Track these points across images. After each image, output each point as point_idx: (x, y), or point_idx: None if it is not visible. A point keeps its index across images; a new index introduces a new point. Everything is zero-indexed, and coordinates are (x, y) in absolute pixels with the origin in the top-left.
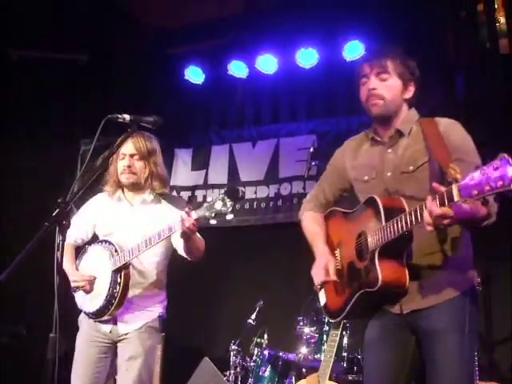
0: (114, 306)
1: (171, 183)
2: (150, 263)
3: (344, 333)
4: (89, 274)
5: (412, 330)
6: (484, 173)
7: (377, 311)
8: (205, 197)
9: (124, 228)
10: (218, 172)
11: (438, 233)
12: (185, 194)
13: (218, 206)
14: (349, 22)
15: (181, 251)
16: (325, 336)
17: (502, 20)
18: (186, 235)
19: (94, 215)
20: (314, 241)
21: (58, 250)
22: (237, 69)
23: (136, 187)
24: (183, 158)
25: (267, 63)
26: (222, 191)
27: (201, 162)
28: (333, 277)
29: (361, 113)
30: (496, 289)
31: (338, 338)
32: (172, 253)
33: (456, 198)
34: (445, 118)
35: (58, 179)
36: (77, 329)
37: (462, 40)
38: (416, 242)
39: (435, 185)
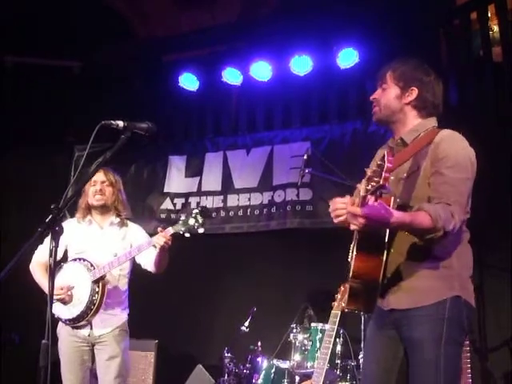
0: (93, 311)
1: (165, 190)
2: (118, 275)
3: (337, 340)
4: (66, 287)
5: (397, 331)
6: (374, 171)
7: (374, 305)
8: (198, 204)
9: (96, 247)
10: (211, 179)
11: (425, 243)
12: (178, 201)
13: (191, 222)
14: (343, 29)
15: (145, 266)
16: (318, 343)
17: (496, 28)
18: (164, 249)
19: (66, 237)
20: None
21: (50, 256)
22: (231, 76)
23: (104, 210)
24: (177, 165)
25: (261, 70)
26: (195, 210)
27: (195, 169)
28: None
29: (354, 119)
30: (489, 296)
31: (331, 346)
32: (133, 267)
33: (362, 193)
34: (448, 130)
35: (52, 185)
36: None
37: (455, 48)
38: (404, 242)
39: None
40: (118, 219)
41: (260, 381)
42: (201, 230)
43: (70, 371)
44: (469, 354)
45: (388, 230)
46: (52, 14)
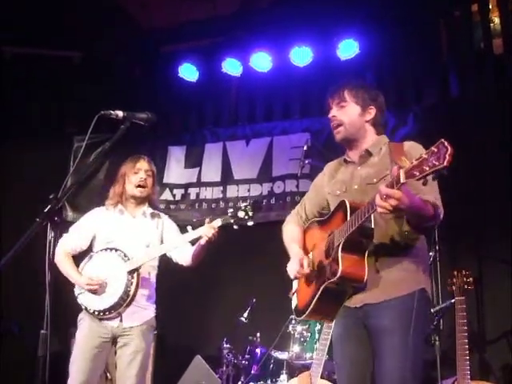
0: (127, 302)
1: (164, 181)
2: (150, 266)
3: None
4: (97, 277)
5: (364, 326)
6: (424, 158)
7: (340, 309)
8: (198, 194)
9: (128, 237)
10: (211, 170)
11: (395, 234)
12: (178, 192)
13: (241, 214)
14: (343, 20)
15: (178, 259)
16: (317, 334)
17: (496, 20)
18: (210, 241)
19: (95, 225)
20: (289, 245)
21: (49, 246)
22: (231, 67)
23: (141, 201)
24: (176, 156)
25: (261, 61)
26: (243, 204)
27: (194, 160)
28: (306, 270)
29: None
30: (487, 288)
31: (329, 337)
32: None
33: (402, 180)
34: (412, 142)
35: (52, 175)
36: (72, 326)
37: (456, 40)
38: (377, 240)
39: (394, 169)
40: (150, 209)
41: (259, 372)
42: (250, 223)
43: (87, 363)
44: (467, 346)
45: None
46: (51, 4)
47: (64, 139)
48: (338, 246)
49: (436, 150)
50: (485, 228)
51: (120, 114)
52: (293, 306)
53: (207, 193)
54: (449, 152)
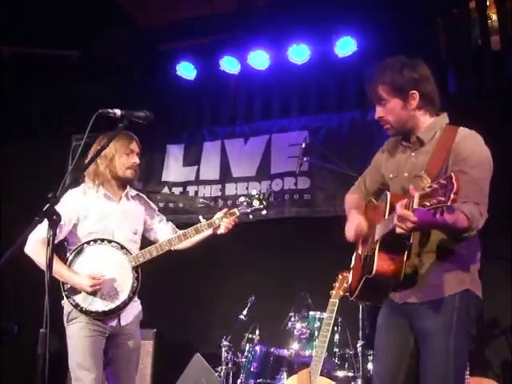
0: (132, 300)
1: (163, 179)
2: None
3: (335, 329)
4: (99, 276)
5: (409, 324)
6: (434, 188)
7: (386, 298)
8: (196, 192)
9: (117, 224)
10: (209, 168)
11: (438, 235)
12: (176, 190)
13: (256, 203)
14: (341, 18)
15: (157, 239)
16: (316, 332)
17: (494, 17)
18: (227, 230)
19: (76, 213)
20: (349, 210)
21: (48, 245)
22: (229, 65)
23: (127, 183)
24: (175, 154)
25: (259, 59)
26: (255, 192)
27: (193, 158)
28: (364, 231)
29: (353, 109)
30: (487, 285)
31: (329, 334)
32: None
33: (415, 206)
34: (467, 129)
35: (51, 174)
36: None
37: (453, 37)
38: (419, 240)
39: (411, 188)
40: (132, 191)
41: (258, 369)
42: (264, 212)
43: (93, 363)
44: None
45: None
46: (49, 3)
47: (63, 138)
48: (376, 243)
49: (445, 182)
50: (484, 225)
51: (118, 112)
52: (348, 283)
53: (206, 191)
54: (454, 190)
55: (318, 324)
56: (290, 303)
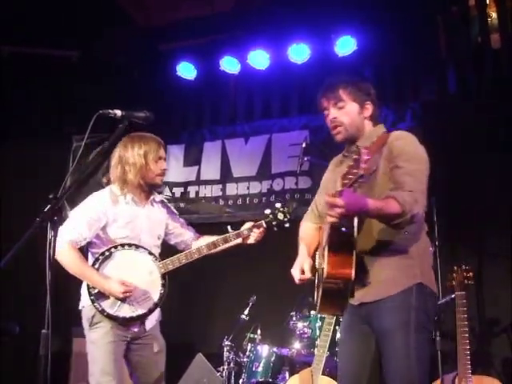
0: (157, 307)
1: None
2: None
3: (337, 327)
4: (130, 281)
5: (369, 327)
6: (350, 165)
7: (346, 306)
8: (197, 193)
9: (143, 229)
10: (210, 168)
11: (381, 231)
12: (177, 190)
13: (281, 216)
14: (341, 17)
15: (179, 246)
16: (318, 331)
17: (494, 15)
18: (257, 241)
19: (105, 216)
20: (299, 243)
21: (49, 246)
22: (229, 65)
23: (156, 189)
24: (175, 155)
25: (259, 59)
26: (279, 205)
27: (193, 158)
28: (307, 275)
29: None
30: (488, 283)
31: (330, 333)
32: None
33: (338, 187)
34: (400, 131)
35: (50, 175)
36: (73, 326)
37: (453, 35)
38: (365, 239)
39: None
40: (158, 197)
41: (260, 369)
42: (287, 225)
43: (117, 369)
44: (468, 341)
45: (356, 229)
46: (49, 3)
47: (63, 139)
48: (325, 248)
49: (357, 157)
50: (485, 223)
51: (118, 113)
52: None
53: (206, 191)
54: (363, 160)
55: (319, 323)
56: (291, 302)
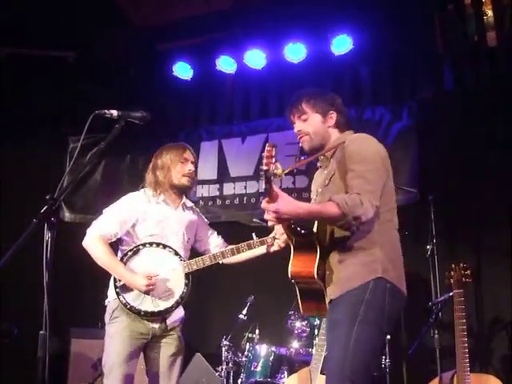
0: (179, 305)
1: None
2: None
3: None
4: (155, 276)
5: None
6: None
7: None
8: (194, 193)
9: (170, 230)
10: (207, 168)
11: (340, 230)
12: None
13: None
14: (337, 16)
15: (206, 252)
16: (316, 330)
17: (490, 13)
18: (280, 249)
19: (137, 214)
20: None
21: (46, 247)
22: (225, 64)
23: (185, 191)
24: None
25: (255, 58)
26: None
27: None
28: None
29: (349, 107)
30: (486, 280)
31: None
32: None
33: (264, 187)
34: (356, 134)
35: (46, 177)
36: (71, 327)
37: (449, 33)
38: (329, 238)
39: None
40: (189, 202)
41: (259, 368)
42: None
43: (130, 364)
44: (466, 339)
45: (316, 230)
46: (46, 4)
47: (63, 139)
48: (291, 248)
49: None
50: (483, 221)
51: (115, 113)
52: None
53: (204, 191)
54: (264, 157)
55: (317, 322)
56: (289, 302)
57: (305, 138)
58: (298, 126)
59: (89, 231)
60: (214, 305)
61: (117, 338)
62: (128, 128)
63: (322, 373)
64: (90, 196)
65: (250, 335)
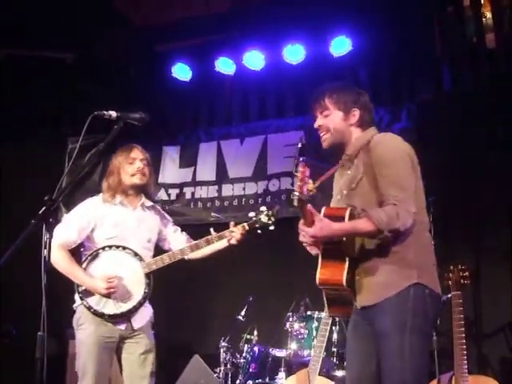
0: (142, 305)
1: (159, 180)
2: None
3: (333, 328)
4: (114, 279)
5: (371, 326)
6: None
7: (351, 308)
8: (193, 194)
9: (130, 232)
10: (206, 169)
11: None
12: (173, 192)
13: (265, 219)
14: (335, 17)
15: (170, 248)
16: (314, 332)
17: (488, 15)
18: (239, 243)
19: (94, 219)
20: None
21: (45, 247)
22: (224, 65)
23: (139, 191)
24: (171, 156)
25: (254, 59)
26: (264, 209)
27: (189, 160)
28: None
29: None
30: (485, 282)
31: (327, 334)
32: None
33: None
34: (381, 134)
35: (45, 178)
36: (69, 328)
37: (448, 35)
38: (359, 244)
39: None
40: (149, 202)
41: (257, 370)
42: (272, 228)
43: (97, 369)
44: (464, 341)
45: (345, 238)
46: (45, 4)
47: (63, 139)
48: (319, 254)
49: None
50: (483, 222)
51: (113, 114)
52: None
53: (202, 192)
54: (298, 180)
55: (316, 324)
56: (287, 303)
57: (324, 137)
58: (319, 121)
59: (52, 242)
60: (213, 306)
61: (84, 345)
62: (127, 129)
63: (320, 374)
64: (89, 197)
65: (249, 336)
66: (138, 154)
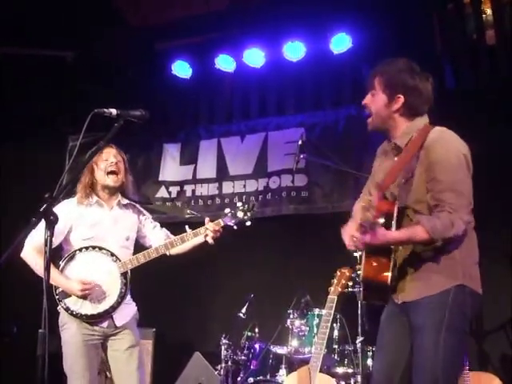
0: (120, 304)
1: (160, 178)
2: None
3: (334, 325)
4: (89, 280)
5: (408, 321)
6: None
7: (388, 298)
8: (193, 191)
9: (106, 231)
10: (206, 167)
11: None
12: (173, 189)
13: (240, 215)
14: (336, 14)
15: (151, 245)
16: (315, 329)
17: (489, 12)
18: (214, 239)
19: (68, 220)
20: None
21: (46, 245)
22: (224, 63)
23: (114, 191)
24: (172, 153)
25: (254, 57)
26: (240, 204)
27: (189, 157)
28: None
29: (348, 105)
30: (486, 279)
31: (328, 331)
32: None
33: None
34: (438, 130)
35: (45, 177)
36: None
37: (449, 32)
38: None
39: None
40: (125, 200)
41: (258, 367)
42: (248, 223)
43: (85, 368)
44: None
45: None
46: (45, 4)
47: (63, 139)
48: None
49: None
50: (484, 221)
51: (114, 111)
52: None
53: (203, 189)
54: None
55: (316, 321)
56: (288, 300)
57: (369, 120)
58: (366, 99)
59: (26, 243)
60: (214, 303)
61: (69, 344)
62: (127, 126)
63: (321, 371)
64: None
65: (250, 334)
66: (111, 150)
